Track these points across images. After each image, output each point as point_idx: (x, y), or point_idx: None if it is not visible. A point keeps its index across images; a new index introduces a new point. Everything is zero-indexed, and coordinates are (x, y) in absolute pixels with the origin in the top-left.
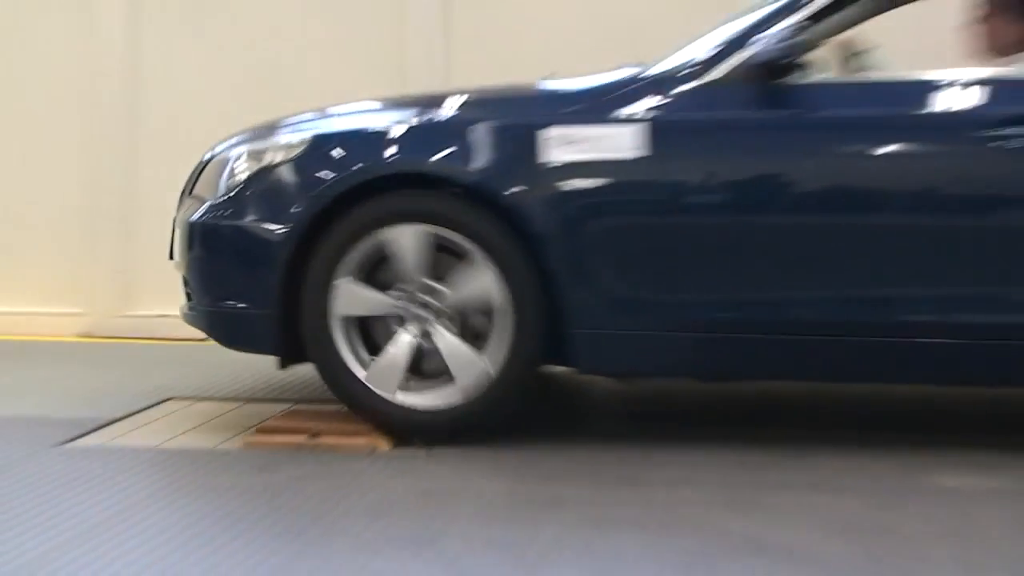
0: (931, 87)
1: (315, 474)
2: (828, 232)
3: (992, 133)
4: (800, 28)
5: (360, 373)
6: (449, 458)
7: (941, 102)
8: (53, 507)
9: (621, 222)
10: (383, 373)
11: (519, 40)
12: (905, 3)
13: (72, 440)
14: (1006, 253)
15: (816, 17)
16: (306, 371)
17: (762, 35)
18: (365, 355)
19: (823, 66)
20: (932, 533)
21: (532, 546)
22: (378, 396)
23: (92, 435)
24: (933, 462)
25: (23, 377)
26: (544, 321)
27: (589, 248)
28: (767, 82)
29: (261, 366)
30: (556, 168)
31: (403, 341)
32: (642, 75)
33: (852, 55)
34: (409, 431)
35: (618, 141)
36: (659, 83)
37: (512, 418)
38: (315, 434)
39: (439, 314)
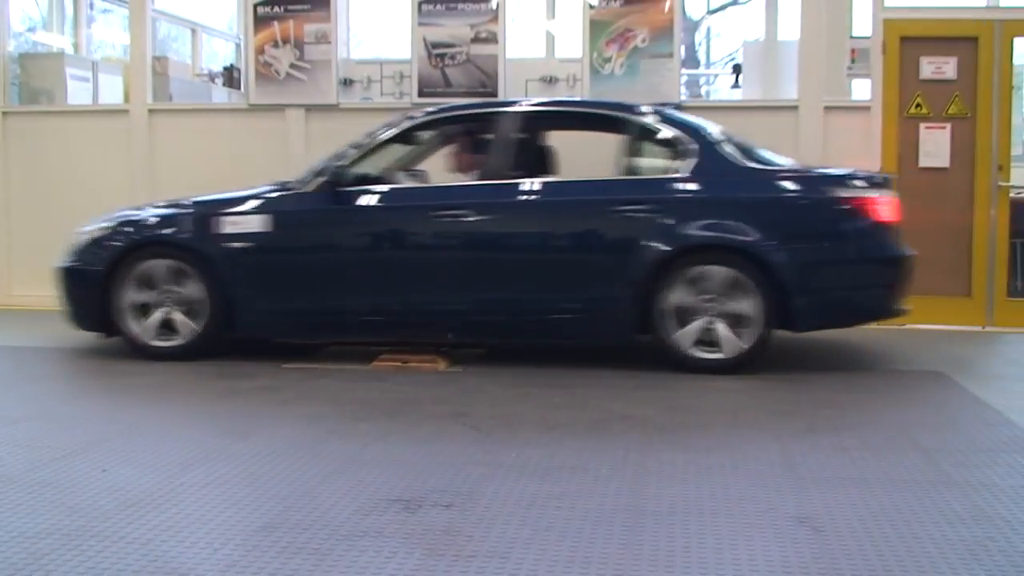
0: (419, 191)
1: (406, 381)
2: (359, 264)
3: (442, 212)
4: (348, 163)
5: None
6: (475, 374)
7: (424, 198)
8: (294, 387)
9: (253, 260)
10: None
11: None
12: (424, 158)
13: (284, 364)
14: (454, 272)
15: (359, 159)
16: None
17: (329, 166)
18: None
19: (397, 179)
20: (707, 404)
21: (515, 416)
22: (162, 344)
23: (292, 362)
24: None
25: None
26: (224, 302)
27: (239, 272)
28: (333, 189)
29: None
30: (225, 234)
31: (154, 318)
32: (275, 188)
33: (410, 174)
34: (191, 354)
35: (256, 222)
36: (281, 193)
37: (505, 354)
38: (406, 361)
39: (176, 303)
